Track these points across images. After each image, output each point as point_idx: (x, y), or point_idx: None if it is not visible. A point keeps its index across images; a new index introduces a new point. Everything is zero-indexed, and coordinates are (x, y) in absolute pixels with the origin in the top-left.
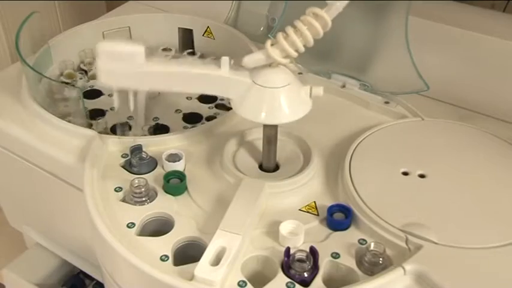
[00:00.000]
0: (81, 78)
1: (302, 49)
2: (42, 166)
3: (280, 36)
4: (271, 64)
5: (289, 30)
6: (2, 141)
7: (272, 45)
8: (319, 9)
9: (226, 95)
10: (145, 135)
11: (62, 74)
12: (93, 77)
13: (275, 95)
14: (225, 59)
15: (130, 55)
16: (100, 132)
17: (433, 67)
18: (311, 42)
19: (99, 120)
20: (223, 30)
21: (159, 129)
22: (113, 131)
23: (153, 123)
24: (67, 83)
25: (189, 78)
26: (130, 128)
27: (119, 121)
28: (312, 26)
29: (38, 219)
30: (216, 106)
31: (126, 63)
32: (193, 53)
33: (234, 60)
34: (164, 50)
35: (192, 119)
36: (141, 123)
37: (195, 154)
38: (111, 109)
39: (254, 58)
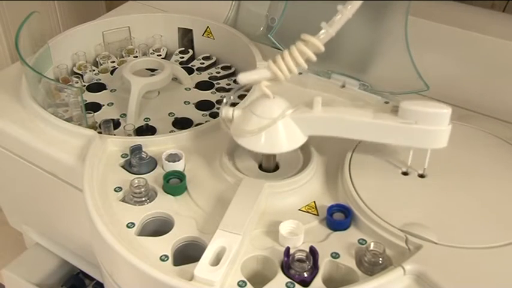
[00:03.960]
0: (77, 82)
1: (296, 71)
2: (42, 166)
3: (278, 57)
4: None
5: (285, 54)
6: (2, 141)
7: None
8: (311, 37)
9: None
10: (129, 135)
11: (58, 80)
12: (103, 71)
13: None
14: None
15: None
16: (89, 127)
17: (433, 67)
18: (305, 66)
19: (88, 116)
20: (223, 30)
21: (146, 130)
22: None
23: (143, 123)
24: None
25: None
26: (115, 125)
27: (106, 118)
28: (304, 53)
29: (37, 219)
30: (210, 114)
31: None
32: (186, 52)
33: None
34: (155, 51)
35: (182, 123)
36: (131, 122)
37: (195, 154)
38: (107, 105)
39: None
